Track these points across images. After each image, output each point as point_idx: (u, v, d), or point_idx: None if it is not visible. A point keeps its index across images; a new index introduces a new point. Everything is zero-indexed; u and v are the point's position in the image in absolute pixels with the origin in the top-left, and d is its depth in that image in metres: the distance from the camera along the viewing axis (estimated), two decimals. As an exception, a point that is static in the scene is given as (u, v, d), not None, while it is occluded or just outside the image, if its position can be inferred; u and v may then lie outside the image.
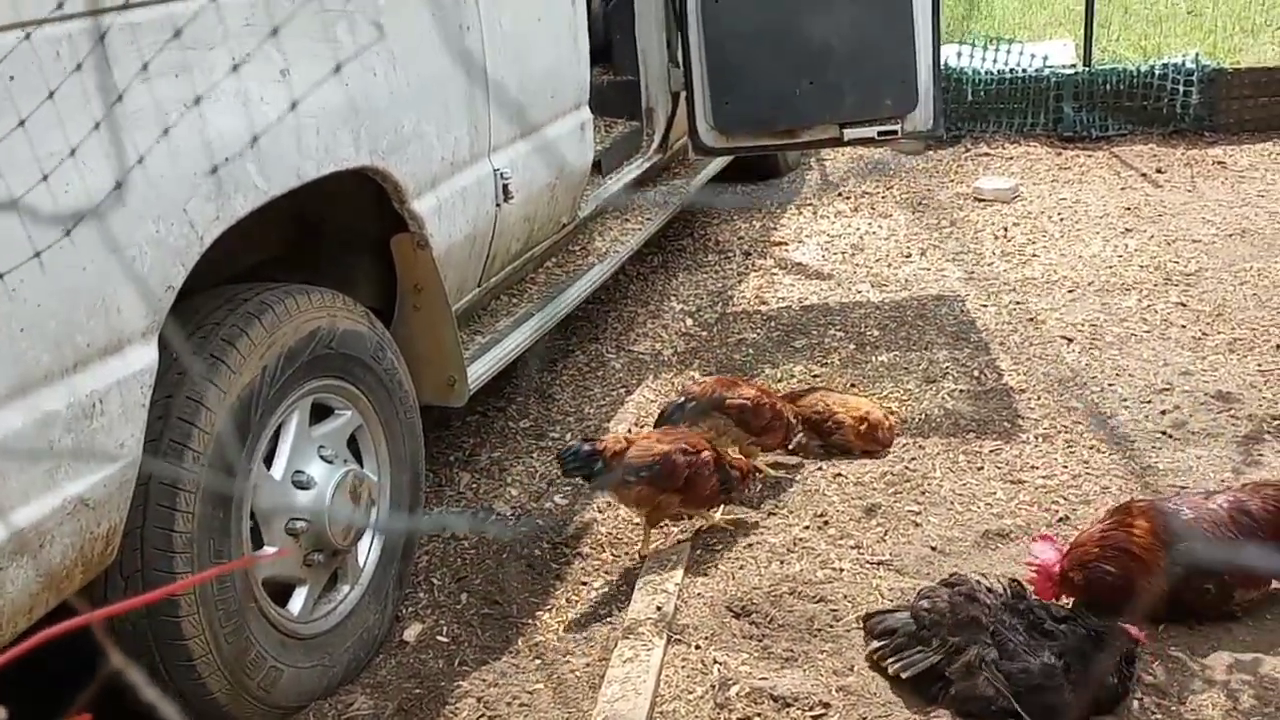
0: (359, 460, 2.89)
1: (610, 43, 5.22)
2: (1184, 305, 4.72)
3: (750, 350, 4.58)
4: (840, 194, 6.38)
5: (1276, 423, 3.79)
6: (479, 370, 3.42)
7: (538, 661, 2.88)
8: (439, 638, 3.00)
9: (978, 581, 2.71)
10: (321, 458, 2.74)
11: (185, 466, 2.34)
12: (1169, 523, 2.84)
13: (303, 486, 2.67)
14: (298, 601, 2.70)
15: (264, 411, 2.53)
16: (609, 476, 3.09)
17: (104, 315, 2.11)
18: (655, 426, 3.57)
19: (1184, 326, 4.54)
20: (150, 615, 2.35)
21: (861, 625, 2.81)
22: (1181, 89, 6.82)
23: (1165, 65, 6.91)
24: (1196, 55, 6.96)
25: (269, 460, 2.62)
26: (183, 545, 2.35)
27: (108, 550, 2.23)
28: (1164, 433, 3.79)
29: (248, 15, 2.42)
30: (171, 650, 2.38)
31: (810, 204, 6.27)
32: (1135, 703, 2.59)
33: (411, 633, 3.01)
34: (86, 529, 2.13)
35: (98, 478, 2.13)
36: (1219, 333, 4.46)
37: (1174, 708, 2.58)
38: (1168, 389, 4.05)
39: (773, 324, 4.79)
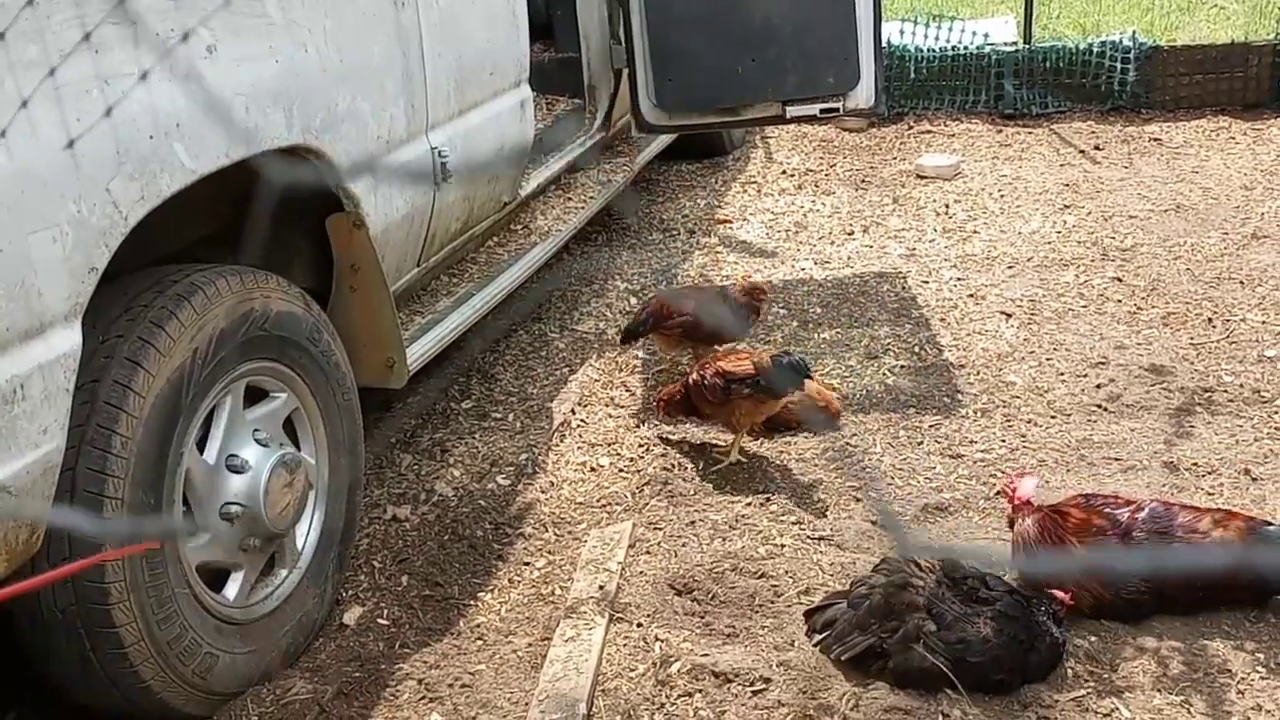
0: (296, 443, 2.86)
1: (551, 19, 5.18)
2: (1120, 280, 4.79)
3: (694, 328, 4.57)
4: (784, 172, 6.39)
5: (1207, 395, 3.86)
6: (419, 351, 3.39)
7: (479, 642, 2.87)
8: (379, 620, 2.98)
9: (910, 562, 2.74)
10: (256, 441, 2.70)
11: (113, 452, 2.29)
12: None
13: (237, 470, 2.63)
14: (233, 587, 2.66)
15: (195, 395, 2.49)
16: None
17: (24, 298, 2.06)
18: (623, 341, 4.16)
19: (1120, 301, 4.61)
20: (79, 603, 2.31)
21: (804, 621, 2.82)
22: (1119, 66, 6.90)
23: (1104, 43, 6.99)
24: (1134, 33, 7.05)
25: (202, 444, 2.58)
26: (112, 532, 2.31)
27: (33, 538, 2.18)
28: (1099, 406, 3.85)
29: (171, -10, 2.36)
30: (102, 638, 2.33)
31: (755, 182, 6.27)
32: (1069, 670, 2.64)
33: (351, 616, 2.99)
34: (9, 516, 2.08)
35: (20, 465, 2.08)
36: (1153, 307, 4.54)
37: (1105, 675, 2.63)
38: (1103, 363, 4.12)
39: (716, 302, 4.78)
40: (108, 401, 2.31)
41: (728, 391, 3.47)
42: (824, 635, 2.73)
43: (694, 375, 3.60)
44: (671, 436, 3.76)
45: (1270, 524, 2.87)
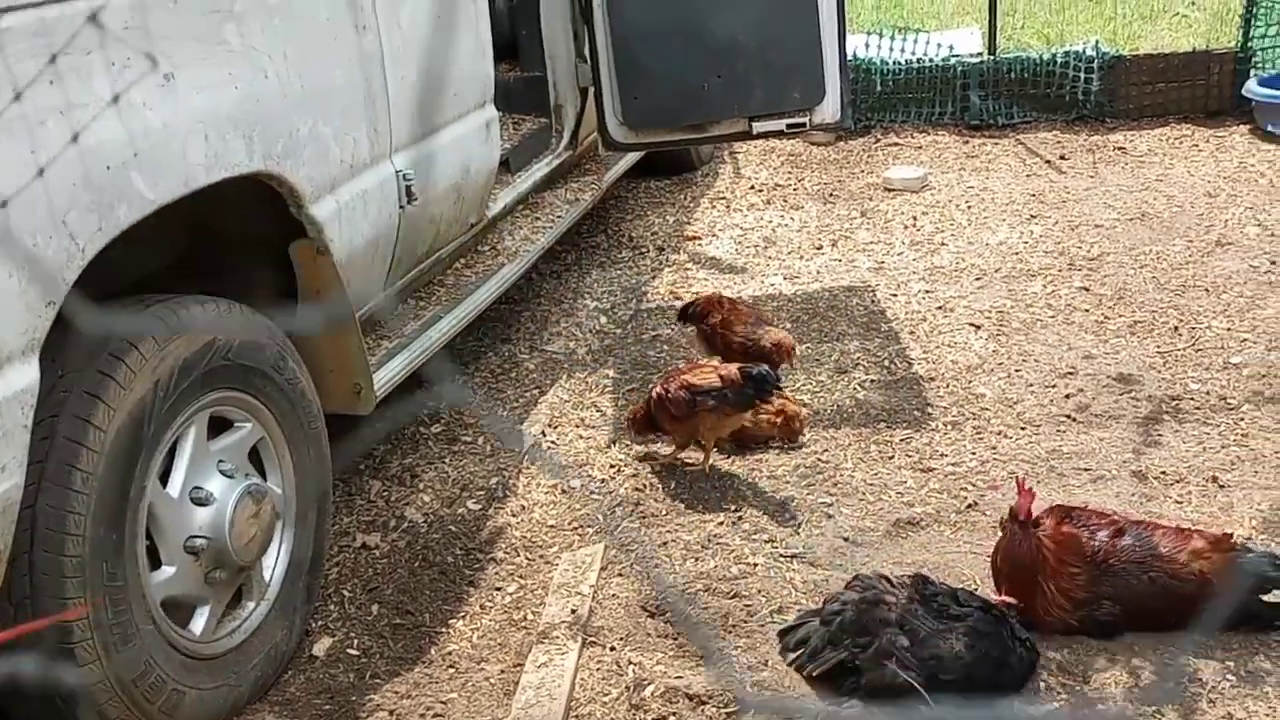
0: (262, 473, 2.83)
1: (516, 39, 5.17)
2: (1087, 290, 4.82)
3: (665, 346, 4.58)
4: (752, 187, 6.40)
5: (1175, 404, 3.89)
6: (386, 376, 3.36)
7: (451, 670, 2.85)
8: (349, 651, 2.95)
9: (881, 579, 2.74)
10: (221, 472, 2.67)
11: (73, 488, 2.26)
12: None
13: (201, 503, 2.60)
14: (200, 621, 2.63)
15: (157, 428, 2.46)
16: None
17: (-23, 335, 2.03)
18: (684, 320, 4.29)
19: (1087, 311, 4.63)
20: (42, 640, 2.27)
21: (778, 640, 2.81)
22: (1083, 76, 6.96)
23: (1067, 53, 7.05)
24: (1097, 42, 7.12)
25: (165, 477, 2.55)
26: (74, 569, 2.27)
27: (-8, 578, 2.15)
28: (1068, 416, 3.87)
29: (126, 18, 2.34)
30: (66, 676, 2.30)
31: (723, 198, 6.28)
32: (1041, 683, 2.64)
33: (321, 647, 2.95)
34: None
35: (-24, 504, 2.05)
36: (1120, 316, 4.57)
37: (1078, 686, 2.64)
38: (1071, 373, 4.14)
39: (687, 319, 4.78)
40: (67, 437, 2.28)
41: (692, 405, 3.47)
42: (797, 654, 2.72)
43: (658, 389, 3.59)
44: (642, 456, 3.74)
45: (1250, 550, 2.82)
